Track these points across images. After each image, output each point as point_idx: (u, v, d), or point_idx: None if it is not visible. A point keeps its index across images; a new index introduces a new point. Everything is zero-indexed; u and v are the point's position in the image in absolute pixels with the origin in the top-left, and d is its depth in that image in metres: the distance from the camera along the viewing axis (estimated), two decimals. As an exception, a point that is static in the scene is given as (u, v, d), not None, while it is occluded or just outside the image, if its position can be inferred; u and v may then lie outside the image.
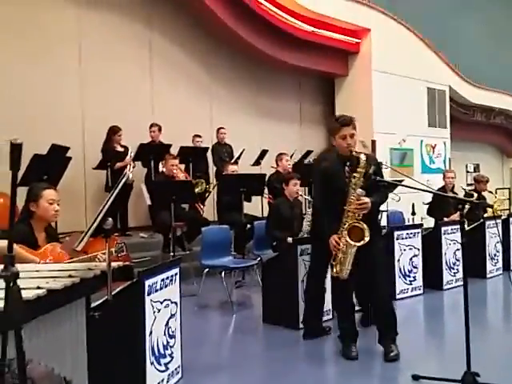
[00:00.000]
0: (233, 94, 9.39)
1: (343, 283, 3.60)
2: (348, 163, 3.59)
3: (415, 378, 3.21)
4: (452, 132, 12.23)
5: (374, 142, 10.08)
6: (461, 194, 7.27)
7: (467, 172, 14.37)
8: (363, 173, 3.45)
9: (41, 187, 3.23)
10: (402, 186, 3.87)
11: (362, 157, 3.46)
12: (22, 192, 3.25)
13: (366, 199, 3.48)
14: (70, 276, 2.11)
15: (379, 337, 3.71)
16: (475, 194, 7.16)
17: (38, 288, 1.88)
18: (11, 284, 1.61)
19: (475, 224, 6.41)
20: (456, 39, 13.36)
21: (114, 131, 6.94)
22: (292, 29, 9.29)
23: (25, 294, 1.70)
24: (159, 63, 8.34)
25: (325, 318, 4.55)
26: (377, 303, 3.70)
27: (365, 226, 3.44)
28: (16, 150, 1.61)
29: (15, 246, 2.00)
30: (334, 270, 3.55)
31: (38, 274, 2.18)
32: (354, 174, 3.45)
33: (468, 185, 12.11)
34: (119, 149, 6.98)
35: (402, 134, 10.86)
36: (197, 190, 6.69)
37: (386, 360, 3.55)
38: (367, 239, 3.42)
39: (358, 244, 3.42)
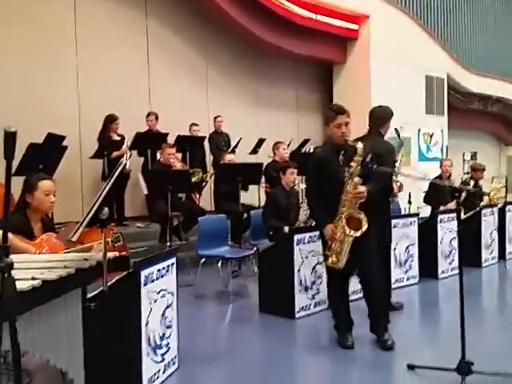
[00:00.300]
0: (230, 82, 9.33)
1: (337, 272, 3.60)
2: (342, 152, 3.58)
3: (410, 367, 3.24)
4: (449, 120, 12.21)
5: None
6: (458, 183, 7.27)
7: (464, 160, 14.37)
8: (360, 161, 3.44)
9: (37, 178, 3.21)
10: (400, 174, 3.86)
11: (360, 145, 3.46)
12: (18, 181, 3.24)
13: (363, 188, 3.48)
14: (65, 267, 2.11)
15: (371, 324, 3.73)
16: (472, 182, 7.17)
17: (33, 279, 1.88)
18: (6, 275, 1.61)
19: (471, 212, 6.42)
20: (455, 26, 13.28)
21: (110, 120, 6.89)
22: (290, 15, 9.21)
23: (20, 285, 1.70)
24: (156, 51, 8.26)
25: (320, 308, 4.58)
26: (369, 290, 3.71)
27: (362, 215, 3.44)
28: (10, 138, 1.60)
29: (11, 236, 1.99)
30: (330, 260, 3.54)
31: (33, 265, 2.17)
32: (351, 163, 3.44)
33: (465, 173, 12.12)
34: (116, 138, 6.94)
35: (399, 122, 10.80)
36: (193, 179, 6.66)
37: (383, 348, 3.58)
38: (365, 229, 3.42)
39: (357, 234, 3.42)
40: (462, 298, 3.05)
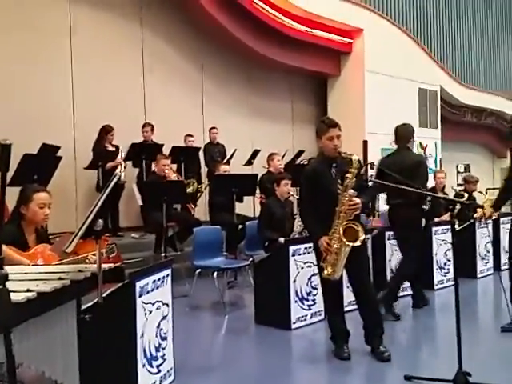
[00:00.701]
0: (225, 93, 9.37)
1: (332, 283, 3.59)
2: (334, 164, 3.60)
3: (407, 378, 3.22)
4: (443, 132, 12.30)
5: (365, 143, 10.11)
6: (451, 195, 7.31)
7: (458, 172, 14.46)
8: (356, 173, 3.46)
9: (33, 190, 3.19)
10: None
11: (355, 157, 3.48)
12: (13, 192, 3.22)
13: (358, 200, 3.49)
14: (60, 278, 2.09)
15: (367, 336, 3.72)
16: (465, 195, 7.20)
17: (28, 291, 1.86)
18: (0, 286, 1.59)
19: (466, 224, 6.44)
20: (447, 40, 13.44)
21: (106, 131, 6.90)
22: (285, 28, 9.30)
23: (14, 297, 1.68)
24: (151, 62, 8.30)
25: (316, 319, 4.57)
26: (364, 301, 3.71)
27: (359, 226, 3.45)
28: (5, 150, 1.59)
29: (4, 247, 1.98)
30: (326, 272, 3.54)
31: (28, 277, 2.16)
32: (347, 175, 3.45)
33: (458, 185, 12.18)
34: (110, 148, 6.94)
35: (393, 135, 10.88)
36: (188, 190, 6.67)
37: (381, 360, 3.56)
38: (362, 239, 3.43)
39: (354, 244, 3.42)
40: (458, 308, 3.05)
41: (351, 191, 3.47)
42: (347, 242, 3.42)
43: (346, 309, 3.99)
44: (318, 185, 3.61)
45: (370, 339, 3.71)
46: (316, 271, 4.54)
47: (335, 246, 3.48)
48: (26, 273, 2.24)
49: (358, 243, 3.43)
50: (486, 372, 3.21)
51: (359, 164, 3.49)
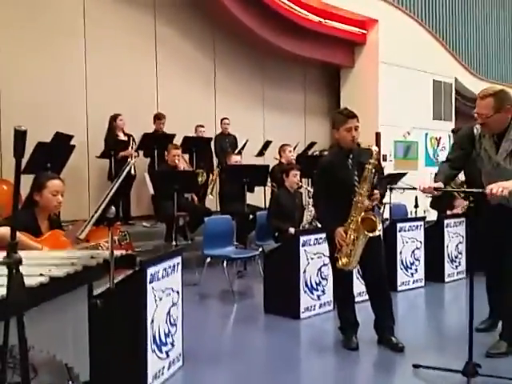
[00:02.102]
0: (237, 84, 9.35)
1: (345, 274, 3.60)
2: (351, 156, 3.59)
3: (416, 366, 3.22)
4: (457, 125, 12.16)
5: (378, 135, 10.04)
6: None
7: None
8: (375, 165, 3.45)
9: (46, 177, 3.23)
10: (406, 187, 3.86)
11: (375, 148, 3.49)
12: (26, 180, 3.26)
13: (376, 191, 3.49)
14: (72, 264, 2.12)
15: (378, 327, 3.72)
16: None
17: (41, 275, 1.89)
18: (14, 271, 1.62)
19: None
20: (463, 32, 13.24)
21: (113, 118, 6.96)
22: (298, 19, 9.22)
23: (27, 281, 1.71)
24: (164, 52, 8.30)
25: (325, 309, 4.58)
26: (377, 294, 3.71)
27: (377, 217, 3.44)
28: (20, 137, 1.61)
29: (18, 233, 2.01)
30: (340, 263, 3.53)
31: (41, 262, 2.19)
32: (366, 166, 3.44)
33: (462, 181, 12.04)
34: (122, 137, 6.99)
35: (406, 127, 10.82)
36: (196, 180, 6.68)
37: (395, 351, 3.57)
38: (380, 229, 3.43)
39: (372, 234, 3.41)
40: (472, 299, 3.01)
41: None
42: (366, 232, 3.41)
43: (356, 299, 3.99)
44: (334, 176, 3.59)
45: (381, 331, 3.71)
46: (326, 262, 4.57)
47: (351, 236, 3.47)
48: (39, 258, 2.28)
49: (376, 233, 3.42)
50: (495, 364, 3.19)
51: (378, 156, 3.49)
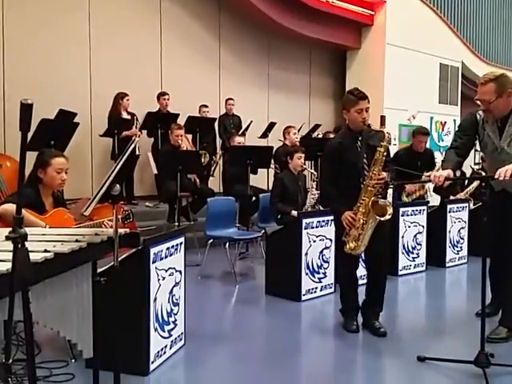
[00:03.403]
0: (242, 64, 9.26)
1: (350, 257, 3.59)
2: (360, 138, 3.55)
3: (421, 359, 3.13)
4: (462, 110, 12.07)
5: (383, 118, 9.96)
6: (468, 173, 7.22)
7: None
8: (387, 148, 3.42)
9: (50, 154, 3.22)
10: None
11: (387, 131, 3.46)
12: (29, 157, 3.24)
13: (385, 174, 3.46)
14: (77, 241, 2.13)
15: (365, 310, 3.73)
16: (483, 173, 7.11)
17: (46, 251, 1.89)
18: (20, 245, 1.62)
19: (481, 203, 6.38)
20: (470, 16, 13.05)
21: (120, 96, 6.91)
22: (305, -2, 9.10)
23: (32, 257, 1.71)
24: (169, 31, 8.21)
25: (326, 292, 4.60)
26: (378, 277, 3.71)
27: (386, 201, 3.41)
28: (27, 110, 1.59)
29: (22, 210, 2.01)
30: (348, 247, 3.50)
31: (46, 238, 2.19)
32: (378, 149, 3.39)
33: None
34: (125, 116, 6.95)
35: (412, 111, 10.74)
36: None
37: (377, 335, 3.57)
38: (390, 213, 3.39)
39: (382, 219, 3.37)
40: (484, 288, 2.91)
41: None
42: (376, 216, 3.37)
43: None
44: (343, 158, 3.53)
45: (367, 314, 3.72)
46: (328, 245, 4.58)
47: (361, 220, 3.43)
48: (43, 234, 2.28)
49: (387, 217, 3.38)
50: (506, 352, 3.16)
51: (390, 138, 3.45)
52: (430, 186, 7.18)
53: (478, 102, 3.31)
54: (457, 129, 3.69)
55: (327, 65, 10.84)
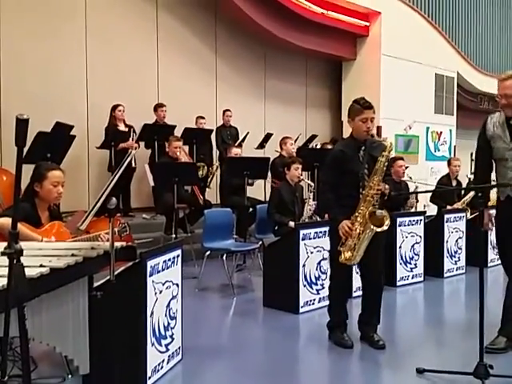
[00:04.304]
0: (239, 75, 9.30)
1: (344, 271, 3.56)
2: (363, 147, 3.55)
3: (420, 371, 3.10)
4: (458, 119, 12.13)
5: (379, 128, 10.00)
6: (464, 183, 7.24)
7: (472, 160, 14.27)
8: (388, 158, 3.42)
9: (47, 168, 3.21)
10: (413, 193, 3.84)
11: (389, 142, 3.47)
12: (25, 170, 3.23)
13: (384, 185, 3.46)
14: (73, 255, 2.12)
15: (362, 323, 3.70)
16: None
17: (41, 266, 1.88)
18: (15, 261, 1.61)
19: (478, 213, 6.38)
20: (465, 26, 13.17)
21: (113, 108, 6.92)
22: (301, 10, 9.15)
23: (28, 272, 1.70)
24: (166, 42, 8.25)
25: (324, 304, 4.57)
26: (374, 290, 3.69)
27: (385, 211, 3.40)
28: (22, 125, 1.60)
29: (18, 224, 2.00)
30: (343, 257, 3.47)
31: (41, 253, 2.18)
32: (379, 159, 3.39)
33: (472, 173, 12.03)
34: (122, 128, 6.95)
35: (408, 121, 10.79)
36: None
37: (376, 348, 3.55)
38: (387, 225, 3.38)
39: (379, 229, 3.36)
40: (482, 298, 2.91)
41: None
42: (373, 227, 3.35)
43: (354, 294, 3.97)
44: (344, 167, 3.52)
45: (365, 327, 3.69)
46: (325, 256, 4.55)
47: (358, 230, 3.41)
48: (39, 249, 2.27)
49: (384, 228, 3.36)
50: (505, 363, 3.14)
51: (392, 149, 3.45)
52: (427, 195, 7.22)
53: (499, 98, 3.39)
54: (475, 151, 3.72)
55: (323, 75, 10.90)
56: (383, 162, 3.38)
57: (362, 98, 3.60)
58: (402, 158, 6.33)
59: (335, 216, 3.57)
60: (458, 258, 5.95)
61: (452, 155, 11.37)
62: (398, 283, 5.37)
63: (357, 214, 3.43)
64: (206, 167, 7.33)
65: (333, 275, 3.77)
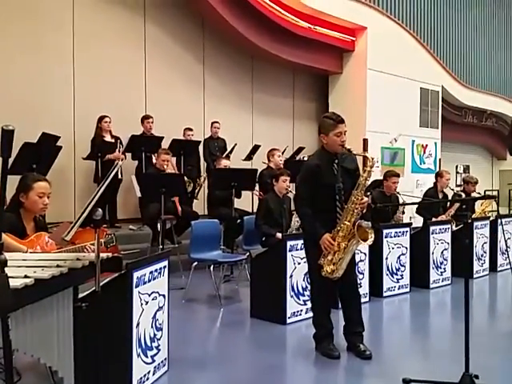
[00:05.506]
0: (226, 88, 9.36)
1: (327, 282, 3.57)
2: (336, 160, 3.59)
3: (406, 381, 3.10)
4: (443, 133, 12.31)
5: (365, 141, 10.11)
6: (450, 195, 7.33)
7: (457, 173, 14.47)
8: (370, 172, 3.46)
9: (33, 179, 3.19)
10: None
11: (370, 155, 3.52)
12: (11, 181, 3.21)
13: (366, 198, 3.52)
14: (57, 266, 2.10)
15: (348, 333, 3.71)
16: (463, 195, 7.22)
17: (26, 277, 1.87)
18: (-1, 272, 1.60)
19: (462, 224, 6.46)
20: (450, 41, 13.42)
21: (99, 119, 6.90)
22: (288, 24, 9.27)
23: (12, 283, 1.69)
24: (153, 55, 8.28)
25: (311, 315, 4.57)
26: (354, 298, 3.72)
27: (368, 224, 3.44)
28: (7, 136, 1.60)
29: (3, 234, 1.98)
30: (325, 271, 3.49)
31: (26, 263, 2.16)
32: (362, 174, 3.45)
33: (457, 185, 12.20)
34: (109, 139, 6.92)
35: (394, 134, 10.92)
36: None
37: (363, 358, 3.55)
38: (372, 238, 3.42)
39: (366, 243, 3.40)
40: (468, 309, 2.95)
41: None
42: (360, 240, 3.38)
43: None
44: (320, 180, 3.55)
45: (350, 337, 3.70)
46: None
47: (342, 244, 3.44)
48: (24, 259, 2.25)
49: (369, 242, 3.41)
50: (491, 374, 3.16)
51: (373, 163, 3.49)
52: (412, 207, 7.29)
53: None
54: None
55: (310, 89, 11.00)
56: (365, 176, 3.44)
57: (333, 112, 3.66)
58: (398, 175, 6.22)
59: (316, 230, 3.56)
60: (444, 269, 6.00)
61: (437, 168, 11.51)
62: (385, 294, 5.39)
63: (339, 228, 3.47)
64: (191, 183, 7.32)
65: (314, 288, 3.76)
